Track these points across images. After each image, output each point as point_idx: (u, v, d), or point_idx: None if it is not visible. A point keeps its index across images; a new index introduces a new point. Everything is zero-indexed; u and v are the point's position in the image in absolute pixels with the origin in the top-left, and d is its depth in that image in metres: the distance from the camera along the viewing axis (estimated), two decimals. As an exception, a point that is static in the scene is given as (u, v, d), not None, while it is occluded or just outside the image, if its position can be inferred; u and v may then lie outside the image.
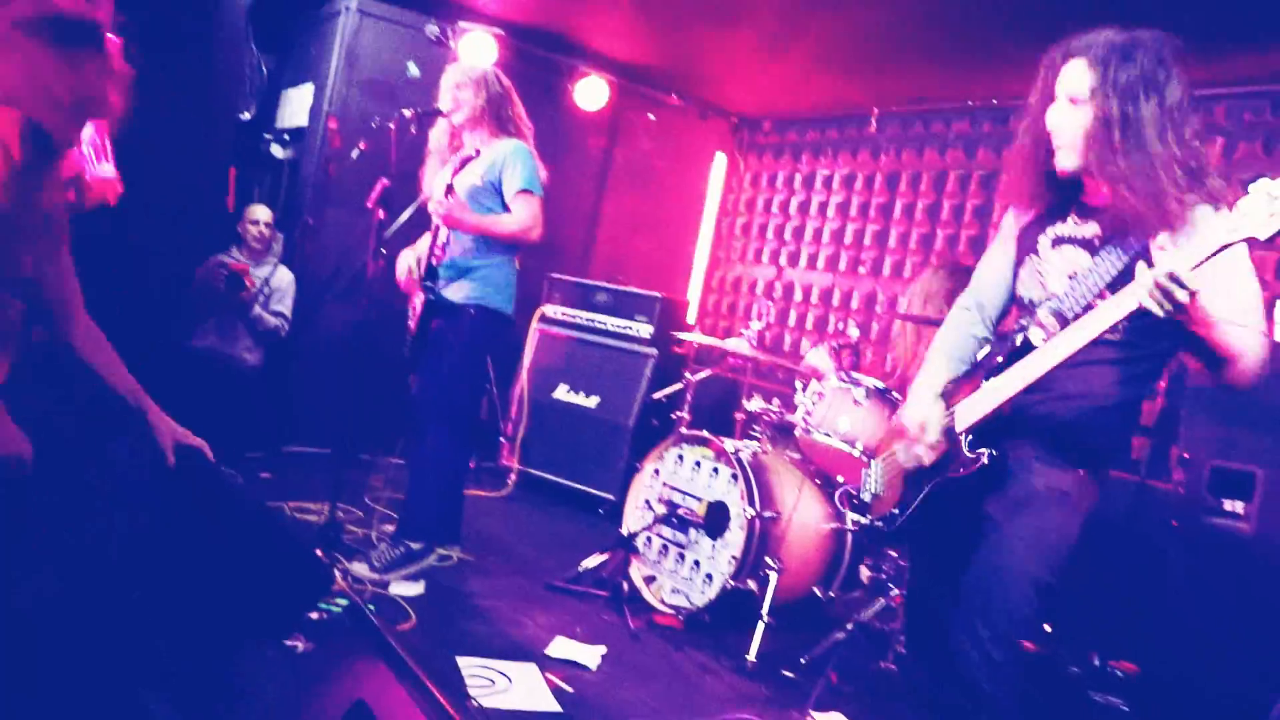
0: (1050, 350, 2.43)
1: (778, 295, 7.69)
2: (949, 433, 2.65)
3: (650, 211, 8.05)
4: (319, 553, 4.17)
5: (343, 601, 3.56)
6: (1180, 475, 4.16)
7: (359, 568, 4.20)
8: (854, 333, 4.68)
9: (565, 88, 7.28)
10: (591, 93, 7.34)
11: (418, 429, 4.39)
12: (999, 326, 2.87)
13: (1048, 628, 4.27)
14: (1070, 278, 2.54)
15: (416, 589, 4.20)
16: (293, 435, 6.31)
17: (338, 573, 4.11)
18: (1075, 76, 2.47)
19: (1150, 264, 2.22)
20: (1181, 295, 2.07)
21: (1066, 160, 2.52)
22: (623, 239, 7.93)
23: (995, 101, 6.34)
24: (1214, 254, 2.07)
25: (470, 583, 4.46)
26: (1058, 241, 2.62)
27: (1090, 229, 2.55)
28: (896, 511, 2.85)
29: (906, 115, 6.96)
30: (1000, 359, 2.57)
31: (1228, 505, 3.97)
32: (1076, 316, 2.43)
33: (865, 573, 4.68)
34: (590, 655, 3.80)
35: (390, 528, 4.88)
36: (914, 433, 2.68)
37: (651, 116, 7.90)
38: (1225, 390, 2.43)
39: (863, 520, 3.05)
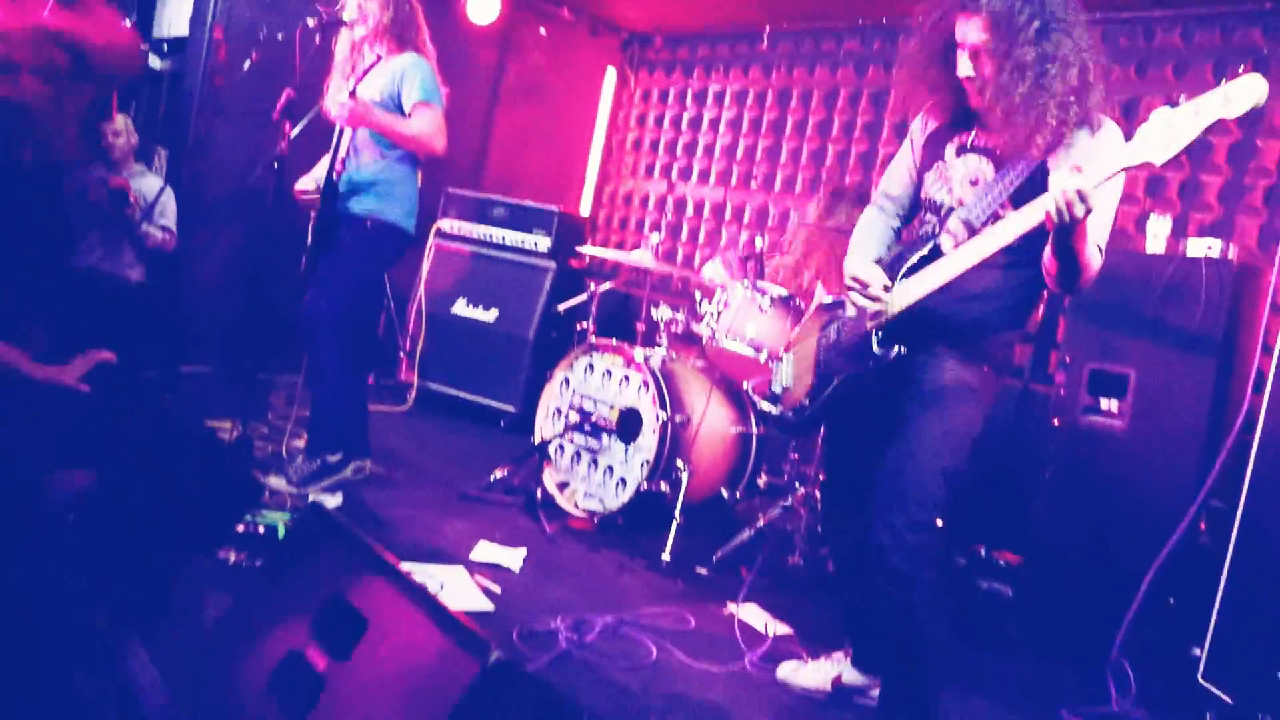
0: (960, 256, 2.61)
1: (669, 210, 7.79)
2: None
3: (542, 127, 8.03)
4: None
5: (272, 514, 3.61)
6: (1061, 378, 4.42)
7: (276, 481, 4.22)
8: (759, 243, 4.81)
9: (457, 1, 7.18)
10: (483, 6, 7.24)
11: (314, 344, 4.37)
12: (905, 230, 3.06)
13: (939, 522, 4.53)
14: (973, 184, 2.72)
15: (335, 501, 4.25)
16: (188, 355, 6.21)
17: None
18: (974, 27, 2.60)
19: (1046, 178, 2.45)
20: (1080, 210, 2.28)
21: (974, 100, 2.69)
22: (515, 154, 7.90)
23: (885, 20, 6.49)
24: (1112, 176, 2.29)
25: (385, 494, 4.52)
26: (962, 150, 2.81)
27: (994, 140, 2.73)
28: (806, 402, 3.04)
29: (798, 33, 7.07)
30: (911, 262, 2.74)
31: (1104, 404, 4.24)
32: (984, 225, 2.62)
33: (763, 479, 4.88)
34: (513, 558, 3.92)
35: (300, 443, 4.90)
36: (859, 286, 2.80)
37: (543, 31, 7.86)
38: (1076, 293, 2.72)
39: (774, 411, 3.22)
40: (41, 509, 2.92)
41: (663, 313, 4.85)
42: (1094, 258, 2.52)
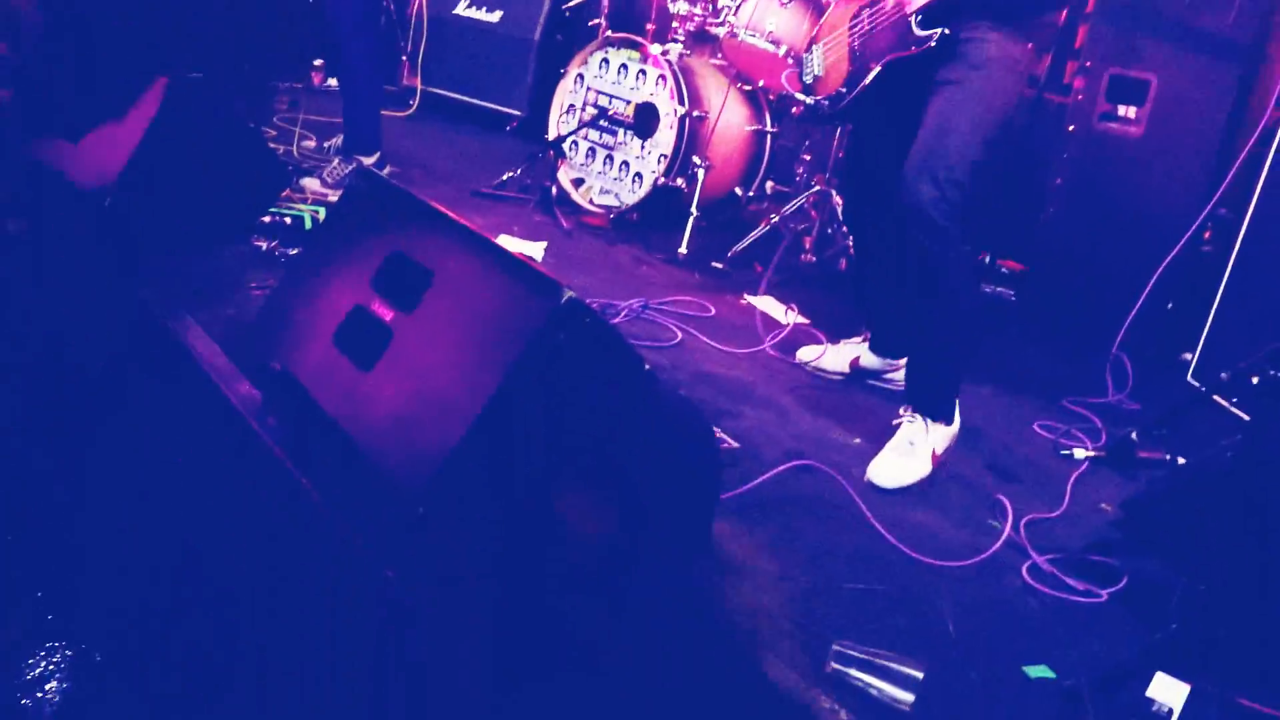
0: None
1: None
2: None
3: None
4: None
5: (300, 207, 3.65)
6: (1080, 83, 4.37)
7: (311, 183, 4.22)
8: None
9: None
10: None
11: (339, 47, 4.32)
12: None
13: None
14: None
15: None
16: (185, 61, 6.04)
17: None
18: None
19: None
20: None
21: None
22: None
23: None
24: None
25: (401, 192, 4.54)
26: None
27: None
28: (844, 90, 3.01)
29: None
30: None
31: (1121, 111, 4.22)
32: None
33: (770, 185, 4.90)
34: (535, 250, 4.00)
35: (310, 144, 4.88)
36: None
37: None
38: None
39: (808, 100, 3.20)
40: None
41: (679, 7, 4.72)
42: None
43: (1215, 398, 3.22)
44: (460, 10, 6.38)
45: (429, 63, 6.45)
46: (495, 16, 6.28)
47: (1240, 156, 3.61)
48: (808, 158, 4.84)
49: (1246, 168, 3.59)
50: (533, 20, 6.18)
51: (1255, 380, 2.56)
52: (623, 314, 3.47)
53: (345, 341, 2.03)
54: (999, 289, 4.71)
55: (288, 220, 3.60)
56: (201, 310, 2.73)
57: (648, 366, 1.89)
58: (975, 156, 2.68)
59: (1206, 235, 4.17)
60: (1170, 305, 4.06)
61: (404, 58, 6.55)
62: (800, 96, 3.21)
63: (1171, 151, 4.03)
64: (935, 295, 2.77)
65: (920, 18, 2.74)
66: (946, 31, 2.72)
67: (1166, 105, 4.06)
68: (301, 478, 1.73)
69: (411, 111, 6.37)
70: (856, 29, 3.02)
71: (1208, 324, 3.67)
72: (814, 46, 3.24)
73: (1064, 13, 4.84)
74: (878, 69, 2.89)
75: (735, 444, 2.69)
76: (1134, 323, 3.47)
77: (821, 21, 3.31)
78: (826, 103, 3.10)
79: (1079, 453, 2.83)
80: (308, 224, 3.63)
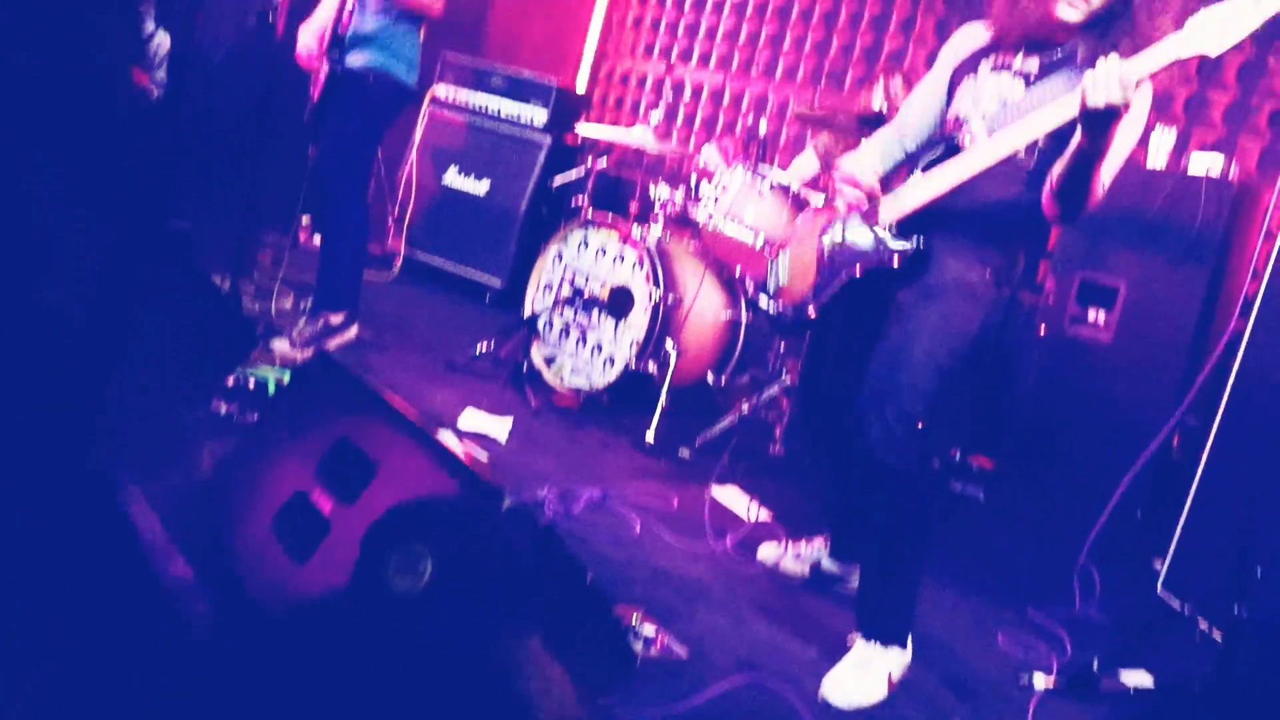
0: (979, 152, 2.56)
1: (666, 93, 7.65)
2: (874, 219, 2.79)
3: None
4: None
5: (264, 370, 3.60)
6: (1051, 285, 4.44)
7: (280, 344, 4.19)
8: (763, 127, 4.76)
9: None
10: None
11: (322, 201, 4.35)
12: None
13: (919, 425, 4.59)
14: (1002, 104, 2.66)
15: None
16: (176, 210, 6.09)
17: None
18: None
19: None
20: (1117, 95, 2.16)
21: (1068, 12, 2.52)
22: (516, 21, 7.72)
23: (900, -91, 6.34)
24: (1163, 67, 2.20)
25: (372, 358, 4.52)
26: (998, 68, 2.72)
27: (1031, 65, 2.66)
28: (810, 300, 2.98)
29: (810, -84, 6.89)
30: (928, 159, 2.70)
31: (1091, 315, 4.27)
32: None
33: (745, 378, 4.90)
34: (500, 427, 3.94)
35: (288, 304, 4.87)
36: (848, 182, 2.79)
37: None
38: (1072, 222, 2.77)
39: (769, 310, 3.18)
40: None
41: (660, 191, 4.79)
42: (1105, 180, 2.47)
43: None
44: (449, 178, 6.49)
45: (415, 228, 6.53)
46: (483, 187, 6.38)
47: (1207, 366, 3.63)
48: (782, 346, 4.85)
49: (1214, 377, 3.61)
50: (520, 193, 6.28)
51: (1236, 611, 2.51)
52: (583, 502, 3.39)
53: (283, 529, 1.97)
54: (968, 487, 4.67)
55: (251, 384, 3.55)
56: (150, 475, 2.64)
57: (590, 577, 1.82)
58: (929, 389, 2.65)
59: (1175, 443, 4.17)
60: (1139, 514, 4.03)
61: (390, 221, 6.63)
62: (762, 304, 3.18)
63: (1140, 358, 4.07)
64: (884, 529, 2.72)
65: (895, 229, 2.76)
66: (920, 245, 2.72)
67: (1135, 311, 4.12)
68: (225, 671, 1.64)
69: (394, 275, 6.41)
70: (827, 238, 3.01)
71: (1177, 533, 3.62)
72: (781, 253, 3.23)
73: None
74: (844, 278, 2.88)
75: (683, 652, 2.58)
76: (1104, 528, 3.43)
77: (790, 228, 3.33)
78: (791, 311, 3.07)
79: (1039, 680, 2.75)
80: (271, 389, 3.57)
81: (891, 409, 2.64)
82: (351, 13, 4.23)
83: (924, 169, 2.69)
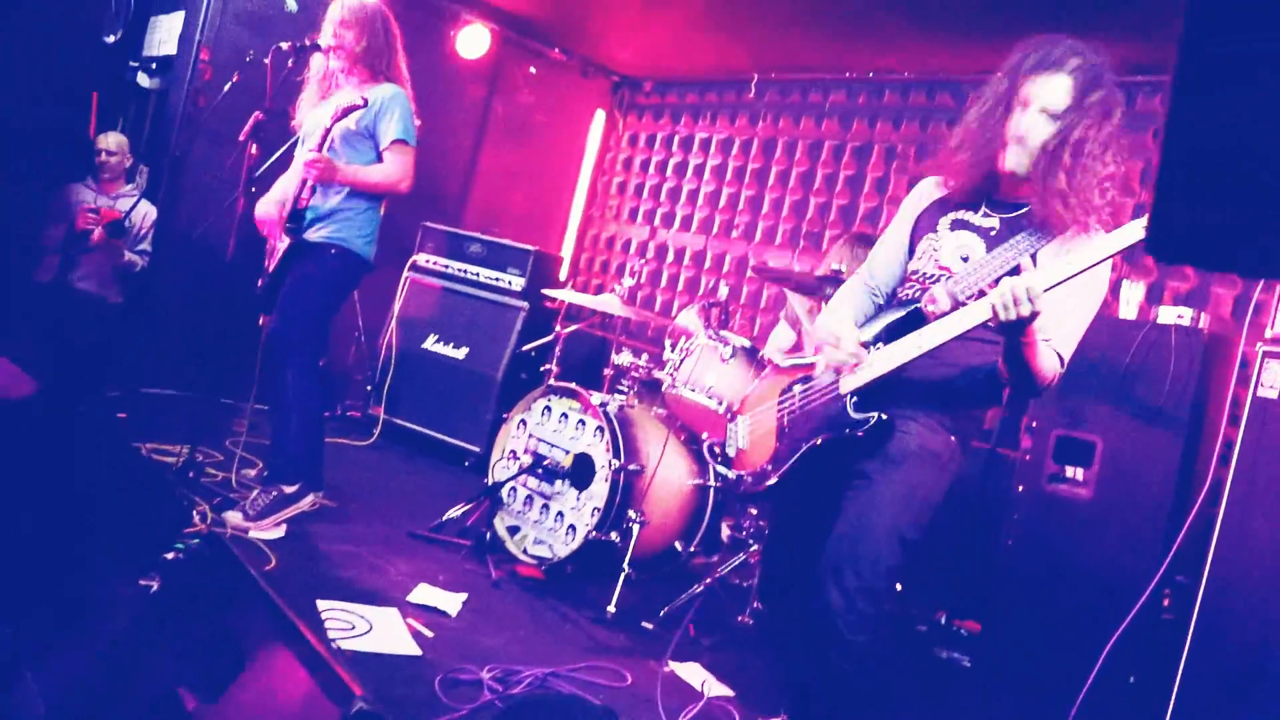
0: (935, 331, 2.53)
1: (650, 255, 7.73)
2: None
3: (527, 165, 8.00)
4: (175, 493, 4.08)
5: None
6: (1028, 443, 4.35)
7: (233, 516, 4.10)
8: (723, 292, 4.74)
9: (447, 33, 7.18)
10: (473, 41, 7.25)
11: (274, 370, 4.31)
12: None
13: (899, 587, 4.44)
14: (964, 260, 2.63)
15: (277, 532, 4.14)
16: (152, 376, 6.11)
17: (196, 515, 4.02)
18: (1056, 91, 2.53)
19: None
20: (1025, 309, 2.23)
21: (1016, 163, 2.57)
22: (499, 191, 7.86)
23: (871, 75, 6.46)
24: (1073, 276, 2.24)
25: (331, 529, 4.41)
26: (957, 225, 2.71)
27: (992, 222, 2.65)
28: (770, 468, 2.91)
29: (785, 83, 7.04)
30: (890, 321, 2.65)
31: (1069, 472, 4.17)
32: (969, 299, 2.53)
33: (726, 531, 4.78)
34: (451, 602, 3.81)
35: (251, 473, 4.81)
36: (832, 340, 2.73)
37: (533, 70, 7.84)
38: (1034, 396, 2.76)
39: (728, 474, 3.10)
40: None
41: (624, 358, 4.76)
42: (1047, 364, 2.45)
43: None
44: (428, 345, 6.49)
45: (394, 394, 6.50)
46: (462, 353, 6.37)
47: (1189, 519, 3.51)
48: (754, 511, 4.74)
49: (1198, 530, 3.48)
50: (498, 358, 6.26)
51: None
52: (525, 683, 3.23)
53: (150, 729, 1.85)
54: (953, 654, 4.49)
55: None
56: (51, 656, 2.54)
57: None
58: (893, 561, 2.56)
59: (1166, 602, 4.01)
60: (1132, 679, 3.84)
61: (369, 387, 6.61)
62: (720, 469, 3.10)
63: (1122, 515, 3.95)
64: (840, 701, 2.59)
65: (856, 400, 2.68)
66: (884, 417, 2.64)
67: (1114, 467, 4.02)
68: None
69: (373, 440, 6.35)
70: (786, 404, 2.95)
71: (1173, 697, 3.43)
72: (739, 418, 3.17)
73: (990, 411, 4.89)
74: (806, 448, 2.79)
75: None
76: (1095, 696, 3.26)
77: (748, 392, 3.27)
78: (751, 479, 2.99)
79: None
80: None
81: (853, 580, 2.54)
82: (313, 189, 4.25)
83: (885, 339, 2.64)
